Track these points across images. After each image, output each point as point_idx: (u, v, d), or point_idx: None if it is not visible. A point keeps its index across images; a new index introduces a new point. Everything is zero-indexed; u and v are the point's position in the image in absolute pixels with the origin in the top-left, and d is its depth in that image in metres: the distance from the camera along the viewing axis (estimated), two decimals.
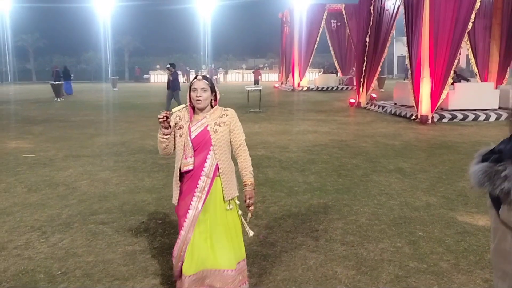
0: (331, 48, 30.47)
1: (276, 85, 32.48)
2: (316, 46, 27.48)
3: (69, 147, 9.38)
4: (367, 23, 16.16)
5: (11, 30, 48.64)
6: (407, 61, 13.70)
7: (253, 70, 35.03)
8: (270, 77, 44.09)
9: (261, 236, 4.37)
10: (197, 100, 2.91)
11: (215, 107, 3.03)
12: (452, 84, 12.88)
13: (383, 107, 15.44)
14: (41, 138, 10.48)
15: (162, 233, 4.51)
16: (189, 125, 2.95)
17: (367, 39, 16.24)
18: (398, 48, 44.90)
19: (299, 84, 27.84)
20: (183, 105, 3.02)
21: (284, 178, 6.59)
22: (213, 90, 2.97)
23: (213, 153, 2.92)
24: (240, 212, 3.07)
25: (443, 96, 12.25)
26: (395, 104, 15.54)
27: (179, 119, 3.00)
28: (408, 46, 13.09)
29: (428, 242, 4.19)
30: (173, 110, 2.97)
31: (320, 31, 27.35)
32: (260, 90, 17.31)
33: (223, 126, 2.96)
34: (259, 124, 12.61)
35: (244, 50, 63.84)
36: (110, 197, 5.75)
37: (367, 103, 16.97)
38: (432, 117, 12.38)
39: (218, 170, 2.94)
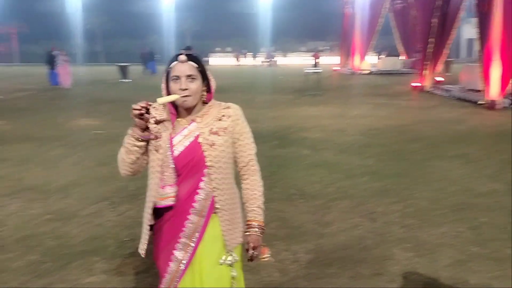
0: (395, 30, 29.38)
1: (336, 68, 31.91)
2: (378, 28, 26.64)
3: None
4: (434, 3, 15.45)
5: (81, 13, 51.01)
6: (477, 44, 12.99)
7: (313, 53, 34.62)
8: (331, 60, 43.41)
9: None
10: (182, 96, 1.87)
11: (210, 104, 1.98)
12: None
13: (448, 91, 14.80)
14: (109, 117, 11.04)
15: None
16: (170, 134, 1.92)
17: (434, 20, 15.54)
18: (466, 30, 42.55)
19: (359, 67, 27.21)
20: (174, 96, 1.87)
21: (341, 161, 6.56)
22: (205, 77, 1.93)
23: (208, 179, 1.91)
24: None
25: None
26: (462, 88, 14.84)
27: (156, 122, 1.94)
28: (479, 28, 12.40)
29: (491, 228, 4.06)
30: (159, 100, 1.88)
31: (383, 13, 26.45)
32: (318, 73, 17.12)
33: (224, 135, 1.93)
34: (317, 107, 12.52)
35: (304, 33, 62.98)
36: None
37: (432, 87, 16.33)
38: (502, 102, 11.73)
39: (215, 205, 1.94)
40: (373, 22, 26.34)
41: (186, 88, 1.85)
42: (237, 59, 43.87)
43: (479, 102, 12.24)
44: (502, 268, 3.33)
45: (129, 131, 1.91)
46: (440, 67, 16.32)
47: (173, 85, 1.87)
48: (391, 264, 3.42)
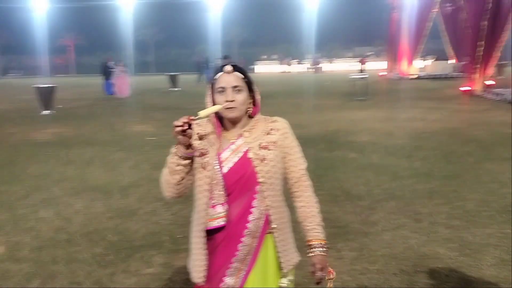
0: (444, 33, 28.67)
1: (382, 73, 31.48)
2: (426, 32, 26.10)
3: None
4: (484, 5, 15.05)
5: (133, 25, 53.05)
6: None
7: (359, 58, 34.33)
8: (377, 66, 42.80)
9: None
10: (227, 109, 1.79)
11: (256, 118, 1.88)
12: None
13: (500, 95, 14.34)
14: (161, 123, 11.54)
15: None
16: (217, 149, 1.81)
17: (483, 23, 15.13)
18: None
19: (407, 72, 26.73)
20: (217, 106, 1.79)
21: (388, 163, 6.61)
22: (250, 88, 1.84)
23: (261, 196, 1.81)
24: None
25: None
26: None
27: (200, 137, 1.84)
28: None
29: None
30: (201, 113, 1.73)
31: (431, 16, 25.90)
32: (364, 78, 17.05)
33: (274, 149, 1.83)
34: (365, 112, 12.51)
35: (350, 38, 62.49)
36: None
37: (482, 91, 15.86)
38: None
39: (271, 224, 1.84)
40: (420, 26, 25.89)
41: (233, 99, 1.77)
42: (288, 65, 44.30)
43: None
44: None
45: (172, 150, 1.77)
46: (491, 70, 15.83)
47: (219, 97, 1.79)
48: (435, 262, 3.49)
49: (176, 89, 23.73)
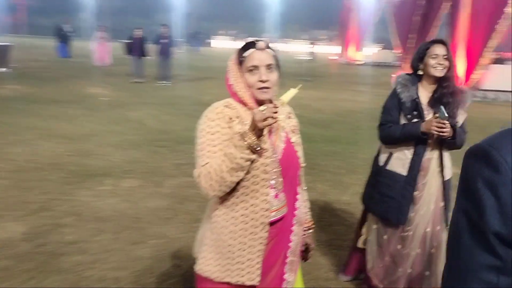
0: (391, 23, 30.43)
1: (332, 57, 33.08)
2: (376, 20, 27.58)
3: (139, 95, 11.29)
4: (417, 1, 16.70)
5: None
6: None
7: (310, 41, 35.72)
8: (332, 50, 44.41)
9: None
10: (261, 88, 1.64)
11: (275, 100, 1.72)
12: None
13: None
14: (114, 87, 12.45)
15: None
16: (268, 134, 1.69)
17: (415, 18, 16.79)
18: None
19: (354, 58, 28.37)
20: (294, 90, 1.68)
21: (308, 131, 7.95)
22: (279, 68, 1.71)
23: (302, 181, 1.87)
24: None
25: (476, 76, 12.95)
26: None
27: (237, 122, 1.66)
28: (448, 26, 13.71)
29: None
30: (283, 98, 1.66)
31: (381, 5, 27.40)
32: (310, 60, 18.40)
33: (298, 134, 1.85)
34: (305, 91, 13.73)
35: (307, 21, 63.88)
36: (168, 131, 7.47)
37: None
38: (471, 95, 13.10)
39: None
40: (371, 14, 27.28)
41: (267, 79, 1.62)
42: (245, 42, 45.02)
43: None
44: None
45: (238, 143, 1.53)
46: None
47: (250, 77, 1.63)
48: (314, 196, 4.87)
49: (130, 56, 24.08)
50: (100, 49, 18.51)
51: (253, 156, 1.55)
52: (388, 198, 2.70)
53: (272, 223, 1.66)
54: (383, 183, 2.75)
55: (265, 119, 1.47)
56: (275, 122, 1.50)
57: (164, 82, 13.66)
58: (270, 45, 1.70)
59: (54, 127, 7.33)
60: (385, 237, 2.78)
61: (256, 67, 1.64)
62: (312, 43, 32.28)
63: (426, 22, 16.49)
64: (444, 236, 2.71)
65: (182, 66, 17.67)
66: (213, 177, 1.56)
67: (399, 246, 2.72)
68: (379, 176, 2.80)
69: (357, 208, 3.93)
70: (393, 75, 18.50)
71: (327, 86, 15.89)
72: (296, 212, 1.77)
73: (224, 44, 46.73)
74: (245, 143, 1.51)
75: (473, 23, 12.59)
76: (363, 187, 3.03)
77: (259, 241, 1.64)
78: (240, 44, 1.75)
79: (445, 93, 2.59)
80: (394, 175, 2.70)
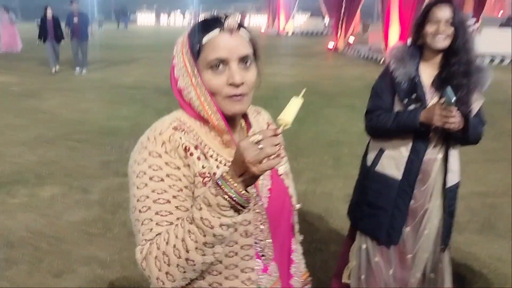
0: None
1: (262, 30, 32.49)
2: None
3: (52, 83, 10.14)
4: None
5: None
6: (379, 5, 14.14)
7: (239, 13, 34.87)
8: (260, 21, 43.69)
9: None
10: (232, 96, 1.02)
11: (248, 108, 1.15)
12: None
13: (358, 52, 16.12)
14: (25, 74, 11.15)
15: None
16: None
17: None
18: None
19: (284, 28, 27.98)
20: (297, 101, 1.04)
21: None
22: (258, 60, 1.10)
23: (295, 226, 1.26)
24: None
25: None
26: (369, 48, 16.18)
27: (203, 154, 1.02)
28: None
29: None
30: (285, 120, 0.96)
31: None
32: None
33: (284, 157, 1.19)
34: None
35: None
36: (88, 122, 6.60)
37: (345, 48, 17.57)
38: None
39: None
40: None
41: (241, 81, 1.01)
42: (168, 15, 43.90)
43: (380, 62, 13.59)
44: None
45: (213, 201, 0.88)
46: (355, 29, 17.42)
47: (213, 78, 1.01)
48: None
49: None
50: (6, 32, 16.09)
51: (239, 219, 0.91)
52: (377, 209, 2.13)
53: None
54: (371, 190, 2.17)
55: (262, 159, 0.83)
56: (279, 162, 0.86)
57: (79, 68, 11.53)
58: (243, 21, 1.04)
59: None
60: (376, 259, 2.19)
61: (223, 62, 1.00)
62: (242, 15, 31.36)
63: None
64: (446, 258, 2.21)
65: (101, 47, 16.24)
66: (172, 261, 0.92)
67: (394, 271, 2.18)
68: (366, 180, 2.21)
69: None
70: (329, 46, 18.31)
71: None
72: (291, 281, 1.19)
73: (149, 19, 44.56)
74: (227, 199, 0.87)
75: None
76: (351, 195, 2.44)
77: None
78: (189, 19, 0.98)
79: (455, 72, 1.93)
80: (385, 178, 2.11)
